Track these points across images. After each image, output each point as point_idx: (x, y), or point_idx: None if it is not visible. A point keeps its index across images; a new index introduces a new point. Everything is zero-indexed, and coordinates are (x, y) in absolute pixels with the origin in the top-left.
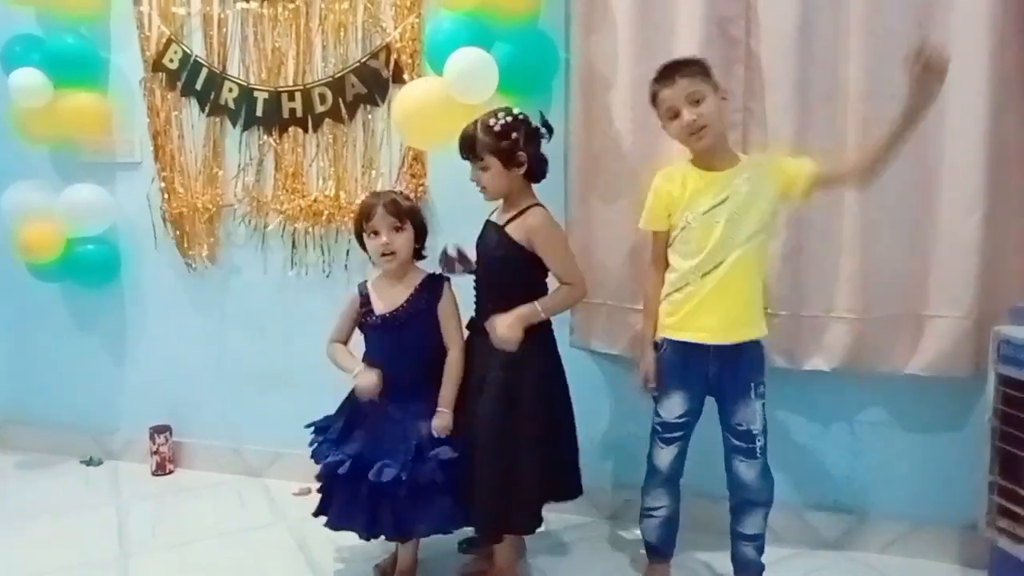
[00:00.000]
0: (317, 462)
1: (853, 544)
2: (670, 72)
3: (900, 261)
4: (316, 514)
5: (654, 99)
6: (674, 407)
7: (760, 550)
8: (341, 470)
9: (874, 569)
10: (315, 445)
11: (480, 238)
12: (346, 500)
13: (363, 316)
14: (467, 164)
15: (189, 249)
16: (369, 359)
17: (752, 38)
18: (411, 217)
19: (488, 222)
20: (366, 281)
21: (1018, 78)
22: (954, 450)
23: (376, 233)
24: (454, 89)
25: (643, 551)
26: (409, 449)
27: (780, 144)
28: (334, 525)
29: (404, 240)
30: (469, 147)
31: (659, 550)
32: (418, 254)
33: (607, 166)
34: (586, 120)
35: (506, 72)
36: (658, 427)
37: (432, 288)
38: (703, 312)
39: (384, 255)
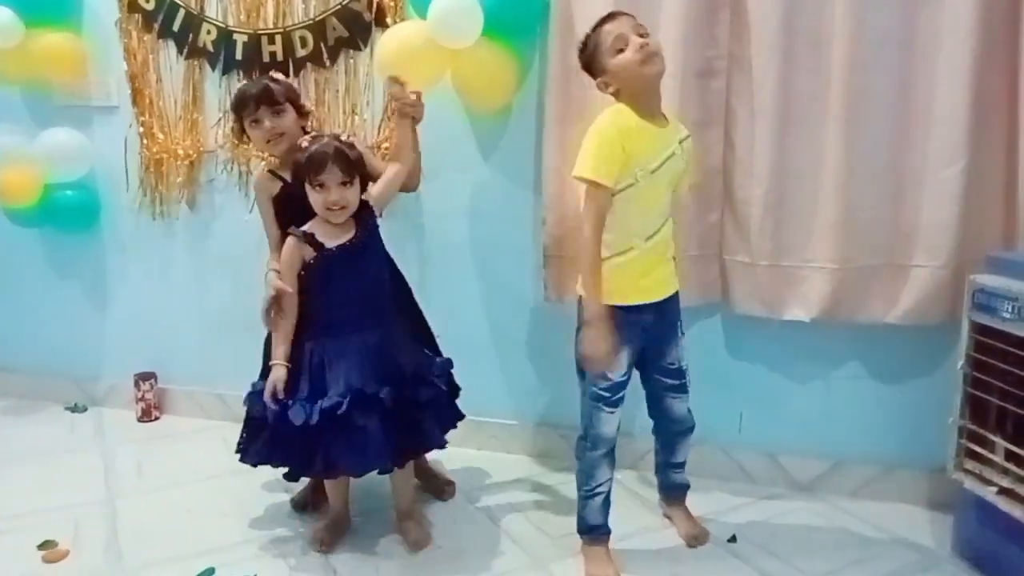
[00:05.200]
0: (297, 423)
1: (826, 487)
2: (609, 15)
3: (880, 210)
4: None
5: (585, 46)
6: (622, 364)
7: (685, 471)
8: (341, 410)
9: (845, 511)
10: (288, 408)
11: None
12: (350, 440)
13: (315, 254)
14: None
15: (169, 195)
16: (317, 296)
17: None
18: (359, 170)
19: None
20: (299, 228)
21: (1003, 27)
22: (924, 396)
23: (323, 186)
24: (438, 33)
25: (580, 536)
26: (407, 371)
27: (764, 89)
28: (355, 469)
29: (353, 194)
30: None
31: (603, 528)
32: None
33: (584, 116)
34: (563, 69)
35: (491, 16)
36: (604, 393)
37: (368, 212)
38: (644, 275)
39: (332, 210)
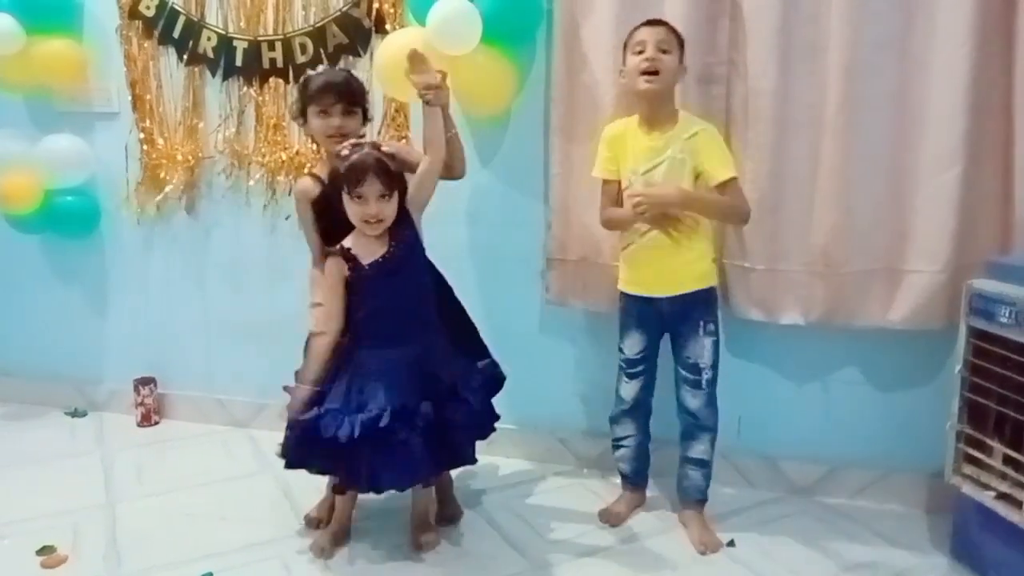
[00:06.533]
0: (326, 434)
1: (824, 491)
2: (655, 21)
3: (877, 215)
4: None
5: (627, 40)
6: (634, 345)
7: (707, 479)
8: (383, 423)
9: (843, 515)
10: (319, 417)
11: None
12: (384, 455)
13: (352, 273)
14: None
15: (169, 200)
16: (357, 310)
17: None
18: (399, 184)
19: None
20: (340, 244)
21: (998, 33)
22: (922, 401)
23: (361, 198)
24: (437, 40)
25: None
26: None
27: (762, 95)
28: (386, 485)
29: (391, 208)
30: None
31: (631, 478)
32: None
33: (588, 121)
34: (567, 74)
35: (489, 23)
36: (623, 363)
37: (406, 224)
38: (647, 268)
39: (369, 223)
